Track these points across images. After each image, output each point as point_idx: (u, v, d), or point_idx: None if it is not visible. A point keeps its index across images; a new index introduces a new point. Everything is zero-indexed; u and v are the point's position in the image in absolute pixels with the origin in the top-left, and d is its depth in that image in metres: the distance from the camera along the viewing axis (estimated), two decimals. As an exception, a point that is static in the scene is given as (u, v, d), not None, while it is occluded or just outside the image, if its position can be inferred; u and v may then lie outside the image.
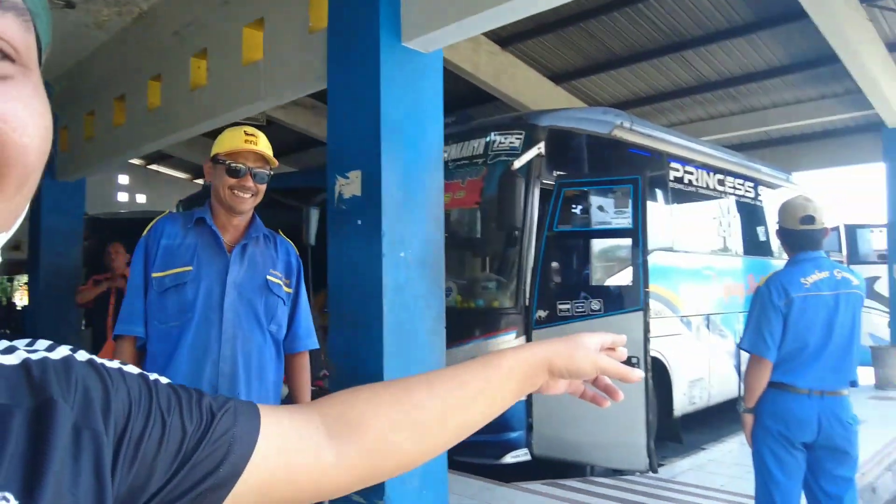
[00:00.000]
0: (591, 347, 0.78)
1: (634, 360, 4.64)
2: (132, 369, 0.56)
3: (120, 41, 5.68)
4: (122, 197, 17.60)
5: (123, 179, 17.58)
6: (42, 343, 0.52)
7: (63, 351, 0.51)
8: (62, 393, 0.47)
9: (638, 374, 0.80)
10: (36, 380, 0.47)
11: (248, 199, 2.11)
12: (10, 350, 0.49)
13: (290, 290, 2.24)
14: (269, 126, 10.54)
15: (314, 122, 10.81)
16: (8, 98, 0.37)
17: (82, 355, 0.52)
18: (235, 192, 2.09)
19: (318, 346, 2.34)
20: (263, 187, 2.15)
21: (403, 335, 3.06)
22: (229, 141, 2.12)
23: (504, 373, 0.76)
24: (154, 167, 17.67)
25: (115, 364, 0.55)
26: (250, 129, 2.16)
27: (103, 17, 5.32)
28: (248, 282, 2.11)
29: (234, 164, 2.08)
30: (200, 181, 15.50)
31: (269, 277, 2.16)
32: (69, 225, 6.95)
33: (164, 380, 0.58)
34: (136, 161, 16.32)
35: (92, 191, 11.91)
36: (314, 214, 6.53)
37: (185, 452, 0.54)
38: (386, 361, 2.97)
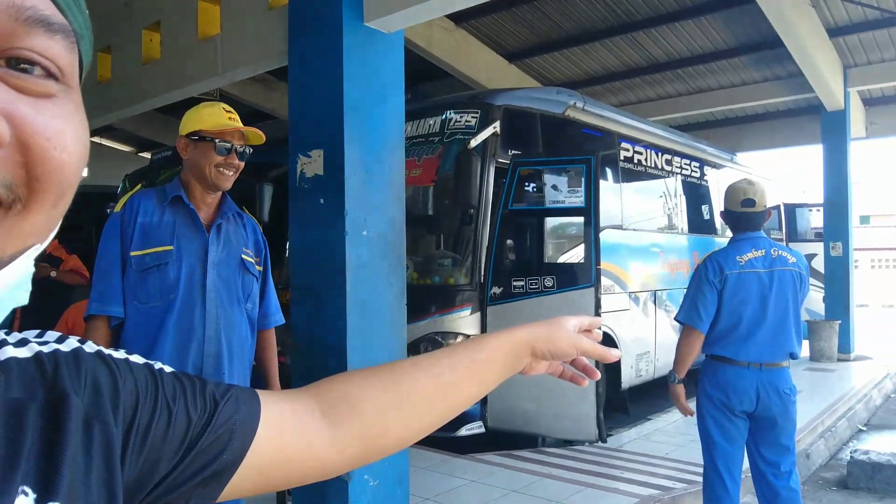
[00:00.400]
0: (571, 329, 0.85)
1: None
2: (137, 359, 0.58)
3: (65, 10, 5.50)
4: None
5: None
6: (51, 335, 0.53)
7: (72, 343, 0.53)
8: (73, 386, 0.49)
9: (616, 353, 0.87)
10: (49, 373, 0.49)
11: (231, 176, 2.13)
12: (22, 342, 0.51)
13: (261, 268, 2.27)
14: (220, 100, 10.30)
15: (265, 97, 10.64)
16: (52, 115, 0.39)
17: (90, 346, 0.55)
18: (221, 169, 2.09)
19: (284, 322, 2.39)
20: (243, 165, 2.17)
21: (367, 312, 3.11)
22: (212, 118, 2.10)
23: (489, 355, 0.80)
24: (97, 139, 17.11)
25: (121, 354, 0.57)
26: (227, 107, 2.16)
27: (48, -16, 5.14)
28: (226, 261, 2.13)
29: (222, 143, 2.08)
30: (146, 154, 15.09)
31: (243, 256, 2.19)
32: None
33: (167, 368, 0.61)
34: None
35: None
36: (268, 190, 6.49)
37: (190, 440, 0.57)
38: (350, 337, 3.02)
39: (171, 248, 2.06)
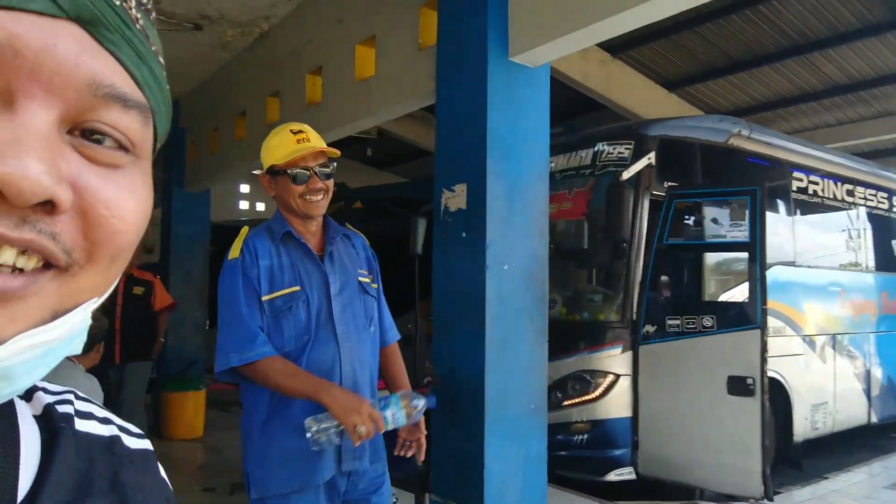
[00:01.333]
0: None
1: (749, 382, 4.42)
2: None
3: (242, 61, 6.03)
4: (244, 205, 18.61)
5: (244, 188, 18.58)
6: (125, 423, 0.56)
7: (141, 443, 0.55)
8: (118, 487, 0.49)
9: None
10: (113, 469, 0.50)
11: (321, 200, 2.02)
12: (106, 421, 0.53)
13: (376, 286, 2.20)
14: (379, 137, 10.82)
15: (424, 133, 11.01)
16: (116, 186, 0.41)
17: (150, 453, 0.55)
18: (307, 197, 1.98)
19: (399, 337, 2.32)
20: (332, 182, 2.06)
21: (505, 347, 3.06)
22: (280, 149, 2.00)
23: None
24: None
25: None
26: (296, 126, 2.06)
27: (227, 37, 5.67)
28: (346, 289, 2.07)
29: (295, 172, 1.96)
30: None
31: (360, 279, 2.12)
32: (196, 232, 7.42)
33: None
34: (256, 171, 17.22)
35: (216, 200, 12.75)
36: (422, 224, 6.67)
37: None
38: (487, 373, 2.98)
39: (297, 288, 2.00)
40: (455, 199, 3.22)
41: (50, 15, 0.37)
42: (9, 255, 0.36)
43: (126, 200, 0.42)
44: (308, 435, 1.86)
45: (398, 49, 4.02)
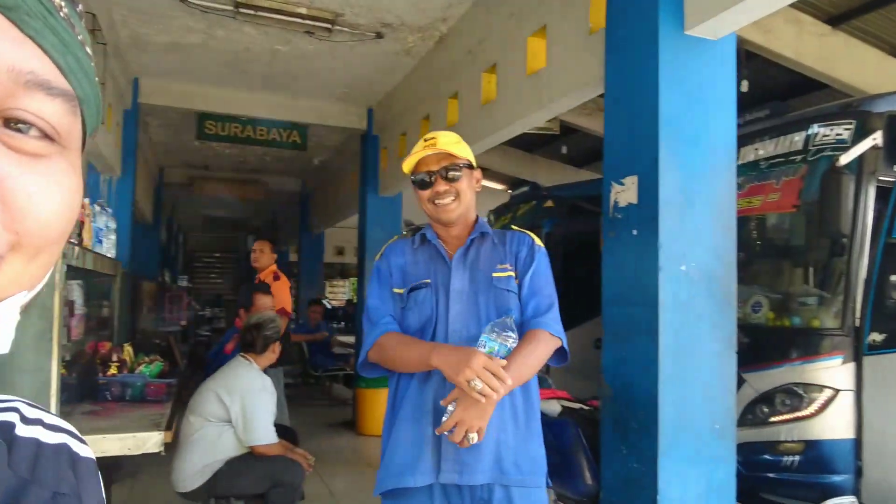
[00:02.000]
0: None
1: None
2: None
3: (424, 65, 6.12)
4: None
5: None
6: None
7: (88, 450, 0.56)
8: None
9: None
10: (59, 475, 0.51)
11: (451, 203, 1.99)
12: (56, 428, 0.54)
13: (519, 280, 2.05)
14: (568, 134, 10.57)
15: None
16: (39, 174, 0.41)
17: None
18: (436, 202, 2.00)
19: (562, 336, 2.06)
20: (464, 184, 2.01)
21: (683, 357, 2.72)
22: (410, 159, 2.03)
23: None
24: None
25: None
26: (431, 134, 2.05)
27: (409, 43, 5.78)
28: (471, 286, 2.00)
29: (419, 177, 2.00)
30: (511, 192, 16.25)
31: (494, 275, 2.02)
32: (389, 235, 7.71)
33: None
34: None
35: (411, 201, 13.27)
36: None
37: None
38: (662, 387, 2.67)
39: (426, 282, 2.01)
40: (624, 192, 2.93)
41: None
42: None
43: (50, 192, 0.41)
44: (444, 418, 1.80)
45: (568, 36, 3.79)
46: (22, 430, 0.50)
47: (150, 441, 2.58)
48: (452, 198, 1.98)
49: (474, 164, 2.10)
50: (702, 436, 2.75)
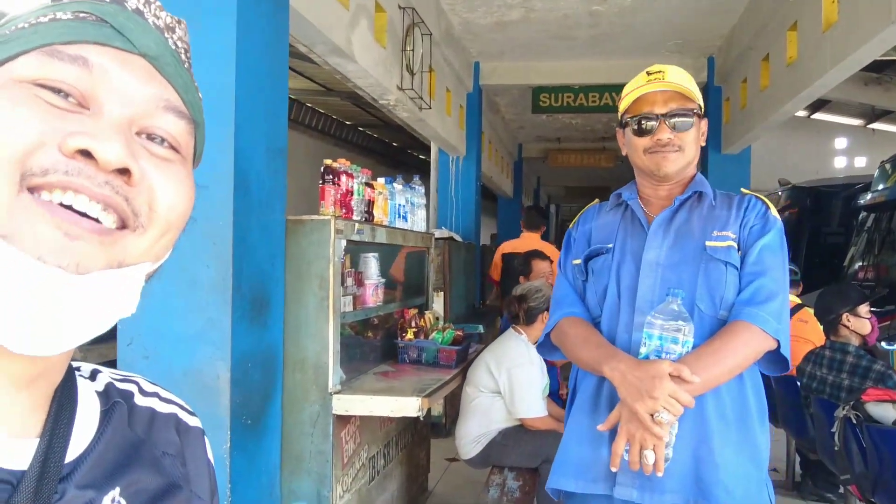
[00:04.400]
0: None
1: None
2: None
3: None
4: (840, 162, 16.42)
5: (840, 143, 16.38)
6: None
7: (196, 420, 0.70)
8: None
9: None
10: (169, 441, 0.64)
11: (673, 154, 1.60)
12: (168, 401, 0.67)
13: (741, 252, 1.59)
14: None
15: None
16: (168, 174, 0.55)
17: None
18: (654, 151, 1.61)
19: (781, 337, 1.50)
20: (691, 136, 1.60)
21: None
22: (627, 94, 1.65)
23: None
24: (875, 126, 15.81)
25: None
26: (655, 67, 1.62)
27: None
28: (674, 255, 1.59)
29: (638, 118, 1.62)
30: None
31: (709, 243, 1.57)
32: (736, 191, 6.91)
33: None
34: (854, 122, 14.98)
35: (805, 157, 12.01)
36: None
37: None
38: None
39: (609, 246, 1.68)
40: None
41: (127, 50, 0.53)
42: (94, 209, 0.49)
43: (176, 186, 0.55)
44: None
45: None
46: (140, 400, 0.63)
47: (410, 406, 2.71)
48: (675, 150, 1.61)
49: (703, 109, 1.69)
50: None
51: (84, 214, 0.48)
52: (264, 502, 2.55)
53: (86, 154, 0.48)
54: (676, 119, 1.59)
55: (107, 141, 0.49)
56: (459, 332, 3.78)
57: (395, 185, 3.71)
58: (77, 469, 0.52)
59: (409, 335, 3.61)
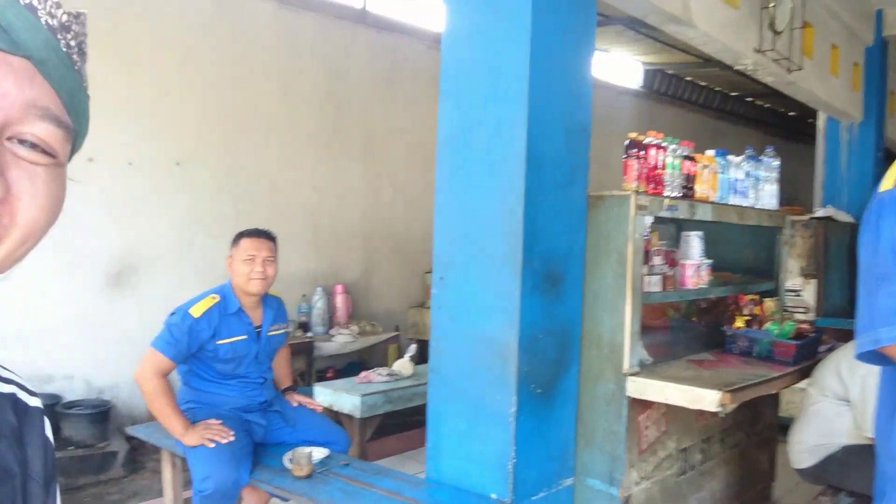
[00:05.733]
0: None
1: None
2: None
3: None
4: None
5: None
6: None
7: (36, 400, 0.66)
8: None
9: None
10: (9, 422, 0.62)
11: None
12: (7, 381, 0.63)
13: None
14: None
15: None
16: (36, 184, 0.52)
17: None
18: None
19: None
20: None
21: None
22: None
23: None
24: None
25: None
26: None
27: None
28: None
29: None
30: None
31: None
32: None
33: None
34: None
35: None
36: None
37: None
38: None
39: None
40: None
41: (8, 51, 0.49)
42: None
43: (44, 196, 0.53)
44: None
45: None
46: None
47: (707, 398, 2.46)
48: None
49: None
50: None
51: None
52: (555, 468, 2.62)
53: None
54: None
55: None
56: (806, 325, 3.29)
57: (729, 157, 3.38)
58: None
59: (739, 323, 3.28)
